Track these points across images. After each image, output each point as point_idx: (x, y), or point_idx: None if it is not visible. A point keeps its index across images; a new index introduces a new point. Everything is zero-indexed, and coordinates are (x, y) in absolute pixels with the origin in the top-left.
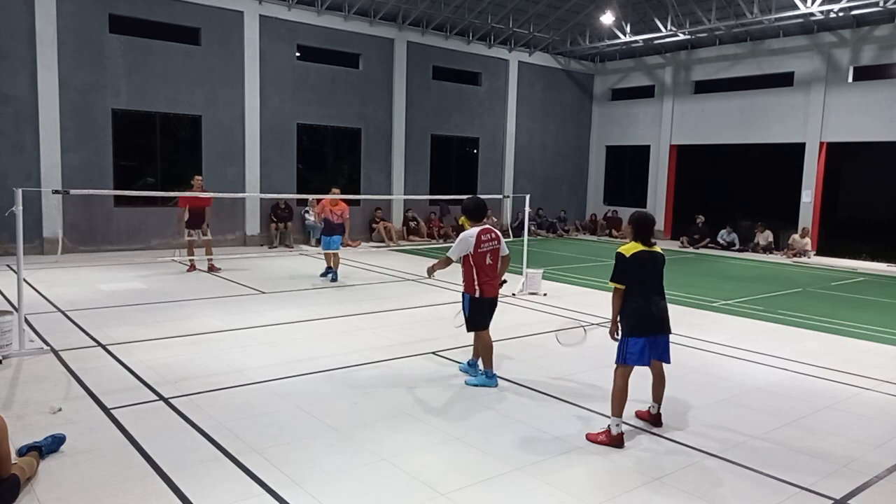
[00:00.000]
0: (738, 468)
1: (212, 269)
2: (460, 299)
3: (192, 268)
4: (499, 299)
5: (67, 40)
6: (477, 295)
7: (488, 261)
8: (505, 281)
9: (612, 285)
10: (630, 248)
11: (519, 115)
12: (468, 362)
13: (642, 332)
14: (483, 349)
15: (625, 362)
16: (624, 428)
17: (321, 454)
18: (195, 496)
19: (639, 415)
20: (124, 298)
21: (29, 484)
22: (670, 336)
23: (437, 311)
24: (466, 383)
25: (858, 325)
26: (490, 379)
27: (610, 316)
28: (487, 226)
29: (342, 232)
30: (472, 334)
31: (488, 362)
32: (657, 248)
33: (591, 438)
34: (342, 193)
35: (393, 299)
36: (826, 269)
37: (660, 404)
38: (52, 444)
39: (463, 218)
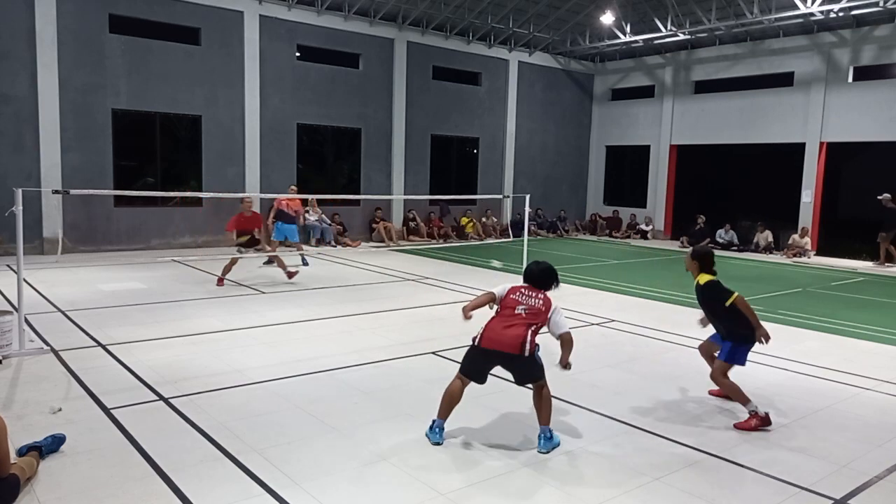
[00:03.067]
0: (737, 468)
1: (290, 274)
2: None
3: (221, 282)
4: (514, 361)
5: (67, 40)
6: (476, 342)
7: (517, 311)
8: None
9: (737, 295)
10: (708, 277)
11: (519, 115)
12: (544, 435)
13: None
14: (444, 394)
15: (734, 363)
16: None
17: (321, 454)
18: (195, 496)
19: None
20: (124, 298)
21: (29, 484)
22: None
23: (437, 311)
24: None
25: (858, 325)
26: (430, 431)
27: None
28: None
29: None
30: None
31: (440, 411)
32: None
33: (741, 426)
34: (340, 193)
35: (393, 299)
36: (826, 269)
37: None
38: (52, 444)
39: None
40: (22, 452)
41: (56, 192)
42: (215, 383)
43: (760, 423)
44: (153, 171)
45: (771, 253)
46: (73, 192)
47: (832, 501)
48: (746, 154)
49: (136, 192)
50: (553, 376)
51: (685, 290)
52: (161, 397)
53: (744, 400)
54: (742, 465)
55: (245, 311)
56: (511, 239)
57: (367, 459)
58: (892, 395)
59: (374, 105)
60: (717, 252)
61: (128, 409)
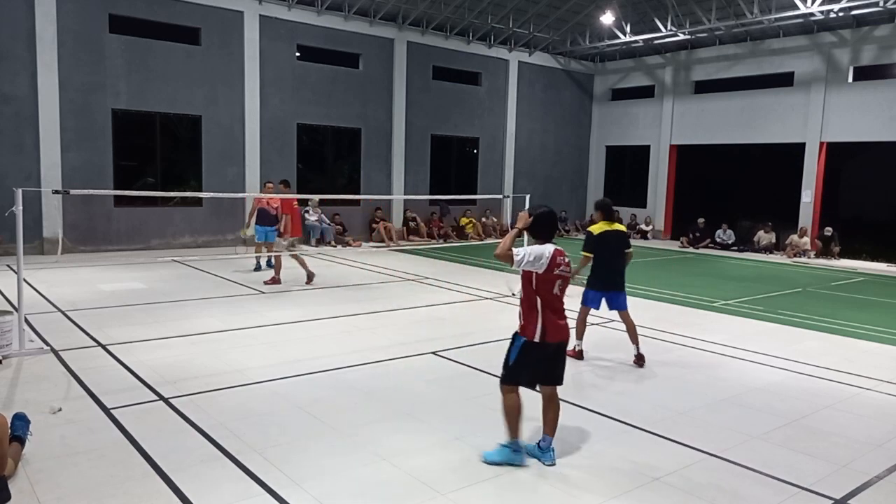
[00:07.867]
0: (738, 468)
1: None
2: (510, 339)
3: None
4: (565, 344)
5: (67, 40)
6: (537, 339)
7: (556, 291)
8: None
9: (583, 254)
10: (598, 227)
11: (519, 115)
12: (538, 444)
13: (601, 289)
14: (505, 411)
15: (585, 304)
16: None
17: (321, 454)
18: (195, 496)
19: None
20: (124, 298)
21: (12, 477)
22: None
23: (437, 311)
24: (485, 458)
25: (858, 325)
26: (515, 453)
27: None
28: (560, 248)
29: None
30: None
31: (514, 431)
32: (619, 227)
33: (568, 354)
34: (340, 193)
35: (393, 299)
36: (826, 269)
37: (637, 345)
38: (24, 426)
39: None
40: None
41: (56, 192)
42: (215, 383)
43: (575, 356)
44: (153, 171)
45: (772, 253)
46: (73, 192)
47: (832, 501)
48: (746, 154)
49: (136, 192)
50: None
51: (685, 289)
52: (161, 397)
53: (579, 335)
54: (742, 465)
55: (245, 311)
56: None
57: (367, 459)
58: (892, 395)
59: (374, 105)
60: (716, 252)
61: (128, 409)
